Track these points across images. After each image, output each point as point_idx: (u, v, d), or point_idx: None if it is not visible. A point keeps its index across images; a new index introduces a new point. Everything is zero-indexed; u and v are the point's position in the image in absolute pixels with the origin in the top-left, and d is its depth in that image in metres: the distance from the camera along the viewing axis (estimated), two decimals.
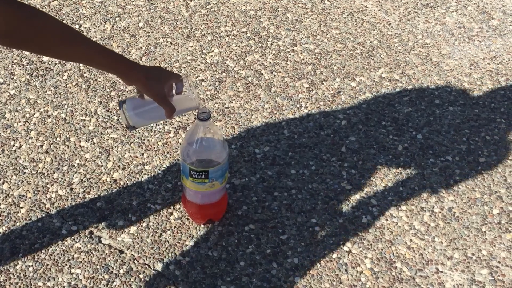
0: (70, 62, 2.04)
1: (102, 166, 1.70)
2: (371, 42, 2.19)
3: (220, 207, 1.54)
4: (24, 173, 1.67)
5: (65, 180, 1.65)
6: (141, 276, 1.43)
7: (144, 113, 1.25)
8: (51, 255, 1.47)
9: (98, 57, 1.07)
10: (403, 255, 1.50)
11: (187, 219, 1.55)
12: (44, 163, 1.70)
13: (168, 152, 1.74)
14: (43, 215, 1.56)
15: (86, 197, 1.61)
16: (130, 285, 1.41)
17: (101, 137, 1.78)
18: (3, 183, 1.64)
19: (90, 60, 1.08)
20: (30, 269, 1.44)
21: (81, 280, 1.42)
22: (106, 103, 1.89)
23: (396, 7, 2.38)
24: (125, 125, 1.25)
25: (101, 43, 2.13)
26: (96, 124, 1.82)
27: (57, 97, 1.91)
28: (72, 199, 1.60)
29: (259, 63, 2.07)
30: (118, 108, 1.19)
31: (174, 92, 1.23)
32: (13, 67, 2.02)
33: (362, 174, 1.70)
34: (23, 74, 2.00)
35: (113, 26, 2.22)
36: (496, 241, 1.54)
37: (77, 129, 1.80)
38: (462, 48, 2.18)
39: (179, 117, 1.85)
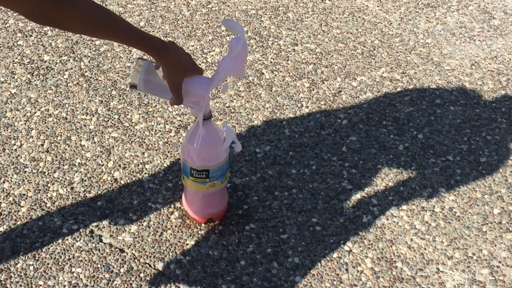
0: (70, 61, 2.04)
1: (102, 165, 1.70)
2: (372, 41, 2.19)
3: (221, 206, 1.54)
4: (25, 172, 1.67)
5: (66, 179, 1.65)
6: (141, 275, 1.43)
7: (153, 85, 1.26)
8: (52, 254, 1.47)
9: (130, 39, 1.11)
10: (403, 254, 1.50)
11: (188, 218, 1.55)
12: (45, 162, 1.70)
13: (168, 151, 1.74)
14: (44, 214, 1.56)
15: (86, 196, 1.61)
16: (131, 284, 1.41)
17: (102, 136, 1.78)
18: (4, 182, 1.64)
19: (121, 41, 1.12)
20: (31, 268, 1.44)
21: (81, 279, 1.42)
22: (107, 102, 1.89)
23: (397, 6, 2.38)
24: (130, 81, 1.26)
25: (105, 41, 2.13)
26: (97, 123, 1.82)
27: (58, 96, 1.91)
28: (72, 198, 1.60)
29: (260, 63, 2.07)
30: (135, 62, 1.23)
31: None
32: (14, 66, 2.02)
33: (362, 174, 1.70)
34: (24, 73, 2.00)
35: None
36: (497, 241, 1.54)
37: (77, 128, 1.80)
38: (463, 48, 2.18)
39: (180, 116, 1.85)
